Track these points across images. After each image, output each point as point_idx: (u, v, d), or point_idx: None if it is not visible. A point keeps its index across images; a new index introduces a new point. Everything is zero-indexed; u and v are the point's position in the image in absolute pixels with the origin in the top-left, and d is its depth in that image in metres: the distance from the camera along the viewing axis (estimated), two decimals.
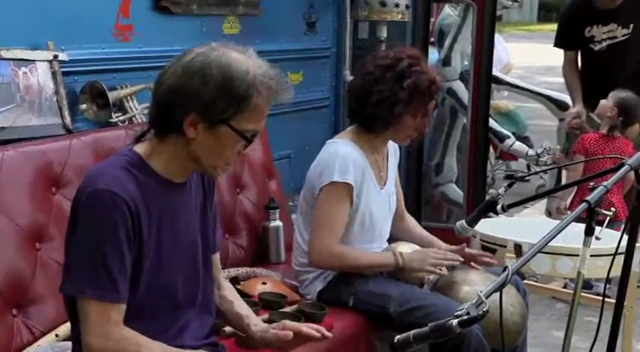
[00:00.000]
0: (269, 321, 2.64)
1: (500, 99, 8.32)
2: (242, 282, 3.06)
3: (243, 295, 2.89)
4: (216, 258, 2.33)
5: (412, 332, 1.92)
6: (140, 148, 2.04)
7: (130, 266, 1.94)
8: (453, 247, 3.18)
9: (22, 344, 2.47)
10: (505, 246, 3.33)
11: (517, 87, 6.73)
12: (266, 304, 2.80)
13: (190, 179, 2.11)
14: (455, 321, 1.84)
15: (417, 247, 3.16)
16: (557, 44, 5.20)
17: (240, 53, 1.99)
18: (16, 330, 2.48)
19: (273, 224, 3.52)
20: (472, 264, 3.15)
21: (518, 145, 6.04)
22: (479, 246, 3.50)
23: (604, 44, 4.94)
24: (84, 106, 3.10)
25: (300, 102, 4.21)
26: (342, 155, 2.98)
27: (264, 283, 3.01)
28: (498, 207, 3.01)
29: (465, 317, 1.84)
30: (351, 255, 3.02)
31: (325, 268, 3.04)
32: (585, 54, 5.06)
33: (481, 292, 1.92)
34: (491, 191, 2.95)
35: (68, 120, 2.97)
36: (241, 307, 2.30)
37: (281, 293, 2.92)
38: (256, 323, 2.25)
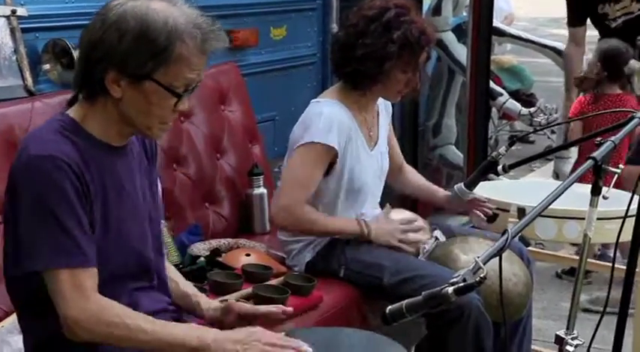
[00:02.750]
0: (253, 295, 2.65)
1: (503, 54, 8.30)
2: (224, 254, 3.05)
3: (225, 267, 2.91)
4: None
5: (405, 301, 1.91)
6: (73, 112, 2.02)
7: (89, 228, 1.93)
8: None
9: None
10: (508, 210, 3.32)
11: (521, 39, 6.70)
12: (250, 277, 2.80)
13: (131, 144, 2.11)
14: (450, 289, 1.84)
15: (412, 215, 3.15)
16: (571, 23, 5.26)
17: (162, 2, 1.97)
18: None
19: (256, 191, 3.50)
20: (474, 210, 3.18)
21: (511, 103, 6.02)
22: (479, 212, 3.51)
23: (619, 21, 4.98)
24: (47, 66, 3.06)
25: (284, 60, 4.19)
26: (326, 116, 2.96)
27: (247, 255, 3.01)
28: (499, 168, 3.01)
29: (462, 285, 1.83)
30: (314, 218, 3.00)
31: (282, 226, 3.05)
32: (602, 32, 5.10)
33: (478, 257, 1.91)
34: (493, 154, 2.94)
35: (30, 81, 2.94)
36: (187, 286, 2.31)
37: (266, 265, 2.91)
38: (206, 300, 2.26)
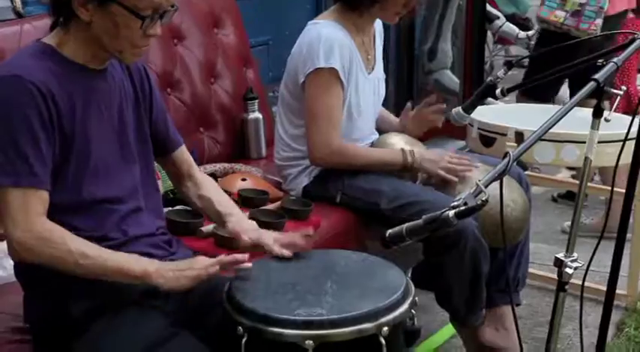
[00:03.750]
0: (251, 220, 2.63)
1: None
2: (220, 179, 3.02)
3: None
4: (181, 152, 2.34)
5: (405, 225, 1.90)
6: (49, 39, 2.05)
7: (50, 150, 1.93)
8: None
9: None
10: (505, 135, 3.29)
11: None
12: (246, 201, 2.78)
13: (112, 70, 2.11)
14: (451, 212, 1.82)
15: (408, 138, 3.12)
16: None
17: None
18: None
19: (252, 116, 3.47)
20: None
21: (508, 27, 5.94)
22: (477, 135, 3.48)
23: None
24: None
25: None
26: (325, 37, 2.90)
27: (243, 179, 2.98)
28: (497, 91, 2.95)
29: (463, 208, 1.81)
30: (355, 151, 2.98)
31: (327, 166, 3.00)
32: None
33: (479, 181, 1.89)
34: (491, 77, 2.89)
35: (18, 3, 2.89)
36: (222, 204, 2.31)
37: (262, 189, 2.89)
38: (239, 222, 2.25)
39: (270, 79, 3.98)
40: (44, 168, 1.92)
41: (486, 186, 1.88)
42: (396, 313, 1.92)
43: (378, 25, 3.16)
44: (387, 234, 1.91)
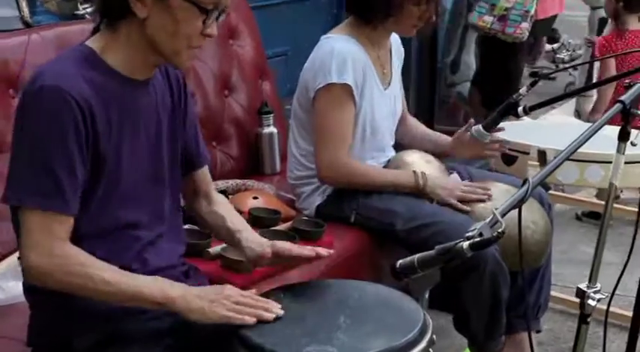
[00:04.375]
0: None
1: None
2: (231, 197, 2.93)
3: None
4: (205, 171, 2.23)
5: (417, 256, 1.80)
6: (93, 43, 1.91)
7: (82, 174, 1.82)
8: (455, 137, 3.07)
9: None
10: (527, 153, 3.18)
11: None
12: (257, 221, 2.68)
13: (154, 80, 1.98)
14: (466, 244, 1.72)
15: (428, 157, 3.02)
16: None
17: None
18: None
19: (266, 130, 3.38)
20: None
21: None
22: (498, 153, 3.37)
23: None
24: None
25: None
26: (338, 52, 2.81)
27: (255, 197, 2.89)
28: (519, 109, 2.86)
29: (478, 239, 1.71)
30: (364, 170, 2.88)
31: (334, 184, 2.91)
32: None
33: (496, 209, 1.79)
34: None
35: (26, 11, 2.81)
36: (234, 222, 2.18)
37: (274, 208, 2.79)
38: (246, 237, 2.12)
39: (287, 92, 3.88)
40: (75, 193, 1.81)
41: (503, 215, 1.79)
42: None
43: (395, 39, 3.06)
44: (398, 265, 1.81)
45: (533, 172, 3.24)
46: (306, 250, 2.09)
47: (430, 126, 3.62)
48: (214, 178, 3.14)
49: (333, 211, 2.92)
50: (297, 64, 3.94)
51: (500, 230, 1.70)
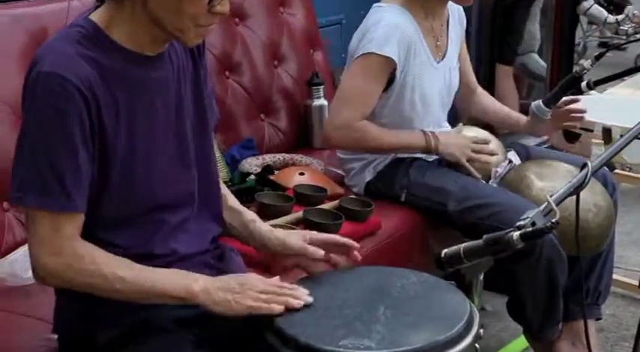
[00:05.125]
0: (303, 220, 2.43)
1: None
2: (276, 172, 2.82)
3: (277, 187, 2.69)
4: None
5: (463, 245, 1.67)
6: (97, 17, 1.74)
7: (89, 167, 1.69)
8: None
9: (14, 243, 2.31)
10: (591, 130, 3.03)
11: None
12: (301, 199, 2.57)
13: (171, 50, 1.82)
14: (516, 234, 1.59)
15: (485, 133, 2.86)
16: None
17: None
18: (7, 226, 2.32)
19: (316, 102, 3.25)
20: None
21: (596, 9, 5.57)
22: (560, 132, 3.21)
23: None
24: None
25: None
26: (385, 23, 2.66)
27: (301, 173, 2.77)
28: (583, 84, 2.70)
29: (529, 229, 1.58)
30: (373, 133, 2.72)
31: (340, 146, 2.81)
32: None
33: (551, 196, 1.65)
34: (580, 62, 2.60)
35: None
36: (247, 213, 2.03)
37: (320, 186, 2.67)
38: (269, 229, 1.98)
39: (342, 62, 3.72)
40: (81, 189, 1.68)
41: (559, 203, 1.65)
42: (458, 349, 1.66)
43: (457, 9, 2.90)
44: (443, 255, 1.69)
45: (598, 151, 3.10)
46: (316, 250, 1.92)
47: None
48: (262, 151, 3.08)
49: (383, 189, 2.79)
50: (351, 32, 3.79)
51: (554, 220, 1.57)
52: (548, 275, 2.57)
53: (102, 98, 1.68)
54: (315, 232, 2.00)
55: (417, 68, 2.72)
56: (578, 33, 5.97)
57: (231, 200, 2.05)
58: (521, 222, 1.60)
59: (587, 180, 1.67)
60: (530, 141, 3.60)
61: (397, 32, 2.65)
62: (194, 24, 1.70)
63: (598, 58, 2.66)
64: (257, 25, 3.15)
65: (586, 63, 2.66)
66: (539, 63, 4.90)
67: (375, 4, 2.80)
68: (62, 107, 1.63)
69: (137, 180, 1.77)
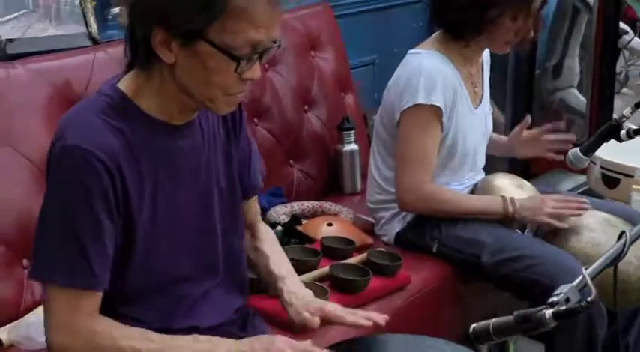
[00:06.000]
0: (330, 276, 2.35)
1: None
2: (304, 222, 2.74)
3: (304, 238, 2.61)
4: (254, 201, 2.02)
5: (492, 320, 1.57)
6: (124, 85, 1.69)
7: (112, 242, 1.63)
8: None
9: (32, 302, 2.26)
10: (632, 176, 2.91)
11: None
12: (329, 252, 2.49)
13: (202, 117, 1.76)
14: (549, 312, 1.49)
15: (520, 180, 2.77)
16: None
17: None
18: (26, 285, 2.27)
19: (347, 147, 3.17)
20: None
21: (636, 43, 5.40)
22: (599, 175, 3.09)
23: None
24: (116, 10, 2.77)
25: None
26: (427, 70, 2.58)
27: (329, 224, 2.69)
28: (622, 132, 2.58)
29: (563, 308, 1.48)
30: (448, 196, 2.66)
31: (415, 211, 2.69)
32: None
33: (586, 268, 1.55)
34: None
35: (94, 28, 2.67)
36: (276, 264, 1.95)
37: (348, 238, 2.58)
38: (293, 291, 1.89)
39: (375, 103, 3.66)
40: (104, 265, 1.62)
41: (594, 277, 1.55)
42: None
43: (486, 54, 2.82)
44: (472, 330, 1.58)
45: (638, 197, 2.97)
46: (362, 319, 1.81)
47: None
48: (291, 198, 3.00)
49: (414, 239, 2.70)
50: (384, 73, 3.73)
51: (589, 298, 1.46)
52: (587, 330, 2.47)
53: (127, 170, 1.63)
54: (323, 305, 1.87)
55: (460, 115, 2.65)
56: (620, 61, 5.84)
57: (268, 244, 1.99)
58: (555, 298, 1.51)
59: (625, 251, 1.57)
60: (566, 186, 3.49)
61: (441, 78, 2.58)
62: (223, 93, 1.65)
63: (638, 105, 2.55)
64: (287, 70, 3.08)
65: (625, 111, 2.56)
66: (578, 98, 4.78)
67: (410, 51, 2.73)
68: (86, 182, 1.58)
69: (160, 253, 1.71)
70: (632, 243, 1.59)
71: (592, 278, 1.54)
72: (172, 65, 1.62)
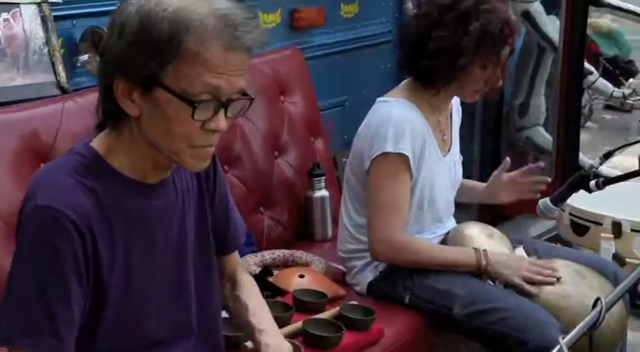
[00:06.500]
0: (302, 332, 2.33)
1: (600, 17, 7.71)
2: (275, 273, 2.72)
3: (276, 290, 2.59)
4: (235, 255, 2.01)
5: None
6: (97, 143, 1.68)
7: (80, 306, 1.60)
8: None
9: None
10: (601, 224, 2.93)
11: (622, 10, 6.11)
12: (301, 306, 2.46)
13: (175, 175, 1.74)
14: None
15: (490, 229, 2.77)
16: None
17: None
18: None
19: (318, 194, 3.16)
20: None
21: (602, 83, 5.47)
22: (568, 222, 3.12)
23: None
24: (85, 57, 2.73)
25: (355, 40, 3.81)
26: (396, 119, 2.59)
27: (301, 276, 2.67)
28: (592, 183, 2.60)
29: None
30: (421, 247, 2.65)
31: (388, 261, 2.68)
32: None
33: (563, 338, 1.55)
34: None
35: (63, 76, 2.62)
36: (256, 315, 1.92)
37: (320, 291, 2.56)
38: (269, 343, 1.86)
39: (344, 143, 3.68)
40: (71, 328, 1.59)
41: (571, 347, 1.55)
42: None
43: (456, 101, 2.83)
44: None
45: (606, 245, 2.99)
46: None
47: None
48: (262, 246, 2.98)
49: (386, 289, 2.69)
50: (354, 114, 3.74)
51: None
52: None
53: (99, 231, 1.61)
54: None
55: (428, 163, 2.65)
56: (584, 95, 5.87)
57: (248, 294, 1.97)
58: None
59: (601, 319, 1.57)
60: (535, 230, 3.51)
61: (409, 127, 2.58)
62: (188, 145, 1.61)
63: (607, 156, 2.57)
64: (257, 116, 3.06)
65: (595, 161, 2.58)
66: (544, 136, 4.81)
67: (379, 99, 2.73)
68: (56, 244, 1.56)
69: (132, 316, 1.69)
70: (607, 310, 1.59)
71: (569, 348, 1.53)
72: (138, 119, 1.61)
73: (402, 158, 2.57)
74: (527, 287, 2.56)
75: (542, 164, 2.93)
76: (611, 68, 7.18)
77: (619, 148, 2.56)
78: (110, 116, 1.65)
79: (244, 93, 1.63)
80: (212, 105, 1.58)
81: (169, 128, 1.59)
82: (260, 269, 2.75)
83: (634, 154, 3.81)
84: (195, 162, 1.65)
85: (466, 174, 2.97)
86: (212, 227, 1.85)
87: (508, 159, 2.91)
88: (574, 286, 2.55)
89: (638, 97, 5.21)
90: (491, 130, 4.51)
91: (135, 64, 1.56)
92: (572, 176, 2.64)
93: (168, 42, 1.54)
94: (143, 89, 1.58)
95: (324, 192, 3.16)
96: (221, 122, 1.60)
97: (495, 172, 2.90)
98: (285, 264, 2.86)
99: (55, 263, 1.56)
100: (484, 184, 2.96)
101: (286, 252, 2.93)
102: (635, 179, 3.23)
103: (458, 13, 2.56)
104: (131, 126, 1.63)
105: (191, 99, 1.56)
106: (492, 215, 3.02)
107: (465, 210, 3.13)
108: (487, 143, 4.46)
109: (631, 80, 5.56)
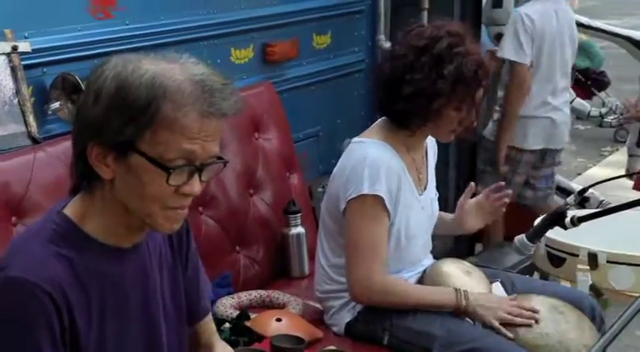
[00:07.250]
0: None
1: None
2: (252, 316, 2.70)
3: (253, 335, 2.57)
4: (208, 320, 1.99)
5: None
6: (70, 210, 1.66)
7: None
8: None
9: None
10: (577, 255, 2.94)
11: (591, 28, 6.16)
12: None
13: (148, 239, 1.74)
14: None
15: (468, 266, 2.77)
16: None
17: (160, 59, 1.60)
18: None
19: (294, 231, 3.15)
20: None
21: (579, 103, 5.53)
22: (544, 253, 3.12)
23: None
24: (56, 104, 2.71)
25: (328, 70, 3.83)
26: (371, 160, 2.58)
27: (278, 320, 2.65)
28: (567, 220, 2.61)
29: None
30: (401, 288, 2.64)
31: (368, 303, 2.66)
32: None
33: None
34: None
35: (34, 126, 2.60)
36: None
37: (298, 335, 2.55)
38: None
39: (320, 172, 3.69)
40: None
41: None
42: None
43: (430, 140, 2.83)
44: None
45: (583, 276, 2.99)
46: None
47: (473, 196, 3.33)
48: (237, 286, 2.96)
49: (364, 330, 2.68)
50: (330, 143, 3.75)
51: None
52: None
53: (74, 300, 1.59)
54: None
55: (404, 203, 2.64)
56: None
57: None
58: None
59: None
60: (511, 260, 3.52)
61: (384, 167, 2.57)
62: (161, 207, 1.61)
63: (581, 193, 2.59)
64: (232, 155, 3.04)
65: (569, 199, 2.60)
66: None
67: (354, 139, 2.73)
68: (31, 315, 1.54)
69: None
70: None
71: None
72: (112, 182, 1.60)
73: (378, 199, 2.57)
74: (504, 331, 2.55)
75: (502, 183, 2.91)
76: (583, 80, 7.23)
77: (593, 185, 2.57)
78: (83, 179, 1.65)
79: (218, 157, 1.63)
80: (186, 170, 1.59)
81: (143, 191, 1.59)
82: (237, 313, 2.73)
83: (606, 165, 3.83)
84: (167, 224, 1.64)
85: (442, 204, 2.96)
86: (185, 292, 1.84)
87: (472, 183, 2.90)
88: (552, 323, 2.55)
89: (615, 116, 5.24)
90: (467, 157, 4.51)
91: (111, 129, 1.56)
92: (548, 213, 2.65)
93: (145, 108, 1.54)
94: (118, 153, 1.57)
95: (300, 229, 3.15)
96: (195, 186, 1.62)
97: (460, 199, 2.89)
98: (262, 305, 2.85)
99: (29, 335, 1.54)
100: (452, 215, 2.96)
101: (263, 292, 2.91)
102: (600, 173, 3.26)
103: (432, 56, 2.56)
104: (104, 189, 1.63)
105: (166, 165, 1.56)
106: (468, 247, 3.01)
107: (442, 243, 3.12)
108: (462, 170, 4.46)
109: (603, 95, 5.58)
